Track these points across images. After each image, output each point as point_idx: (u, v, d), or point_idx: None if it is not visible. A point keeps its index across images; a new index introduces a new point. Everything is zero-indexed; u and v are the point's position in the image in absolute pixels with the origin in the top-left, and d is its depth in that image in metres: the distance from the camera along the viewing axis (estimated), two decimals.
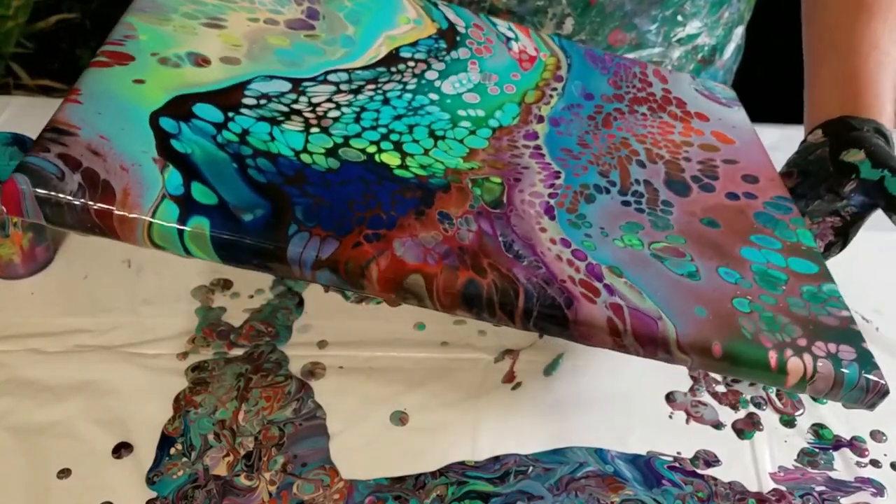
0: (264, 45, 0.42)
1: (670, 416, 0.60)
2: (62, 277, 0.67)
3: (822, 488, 0.56)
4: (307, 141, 0.38)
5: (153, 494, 0.53)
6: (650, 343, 0.36)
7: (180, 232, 0.32)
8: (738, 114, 0.54)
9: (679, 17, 0.67)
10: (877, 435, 0.59)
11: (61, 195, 0.31)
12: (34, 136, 0.65)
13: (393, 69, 0.45)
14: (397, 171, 0.38)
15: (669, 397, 0.61)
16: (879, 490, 0.56)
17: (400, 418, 0.58)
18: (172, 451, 0.55)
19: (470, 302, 0.34)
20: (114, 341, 0.62)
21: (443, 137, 0.42)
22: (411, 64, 0.46)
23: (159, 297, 0.65)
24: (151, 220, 0.31)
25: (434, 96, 0.44)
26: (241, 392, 0.59)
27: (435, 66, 0.46)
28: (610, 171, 0.44)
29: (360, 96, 0.42)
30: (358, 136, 0.39)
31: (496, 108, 0.45)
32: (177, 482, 0.53)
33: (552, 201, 0.40)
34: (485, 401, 0.59)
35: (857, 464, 0.58)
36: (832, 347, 0.38)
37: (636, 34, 0.67)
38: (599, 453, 0.57)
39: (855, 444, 0.59)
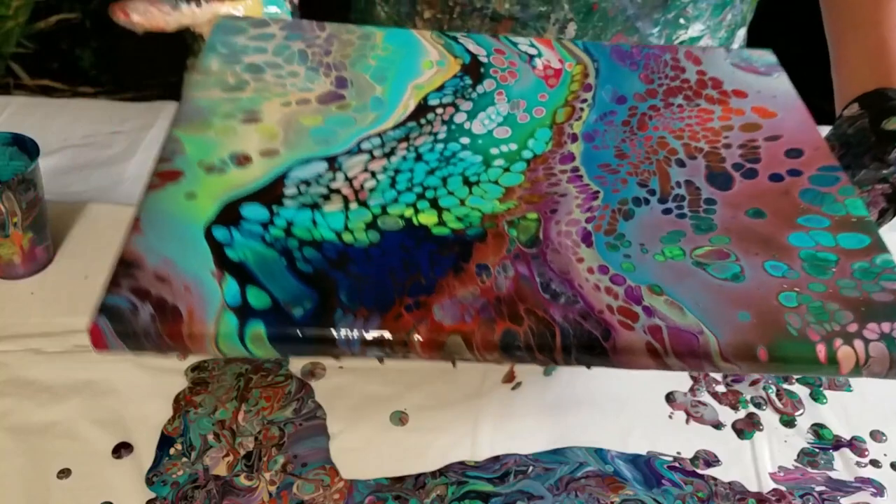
0: (299, 129, 0.43)
1: (670, 416, 0.60)
2: (62, 277, 0.67)
3: (822, 488, 0.56)
4: (347, 219, 0.39)
5: (153, 494, 0.53)
6: (692, 357, 0.36)
7: (241, 338, 0.34)
8: (779, 80, 0.52)
9: (681, 21, 0.67)
10: (877, 435, 0.59)
11: (137, 328, 0.34)
12: (34, 136, 0.65)
13: (423, 121, 0.45)
14: (435, 231, 0.39)
15: (669, 397, 0.61)
16: (879, 490, 0.56)
17: (400, 418, 0.58)
18: (172, 451, 0.55)
19: (509, 350, 0.35)
20: None
21: (477, 182, 0.42)
22: (440, 111, 0.46)
23: None
24: (216, 332, 0.34)
25: (465, 140, 0.44)
26: (240, 392, 0.59)
27: (463, 106, 0.46)
28: (649, 178, 0.43)
29: (393, 158, 0.42)
30: (395, 201, 0.40)
31: (528, 136, 0.45)
32: (176, 482, 0.53)
33: (589, 226, 0.40)
34: (485, 401, 0.60)
35: (857, 464, 0.58)
36: (886, 327, 0.36)
37: (638, 38, 0.67)
38: (599, 453, 0.57)
39: (855, 444, 0.59)
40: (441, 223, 0.39)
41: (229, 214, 0.38)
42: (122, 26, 0.51)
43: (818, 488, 0.56)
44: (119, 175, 0.78)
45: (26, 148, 0.66)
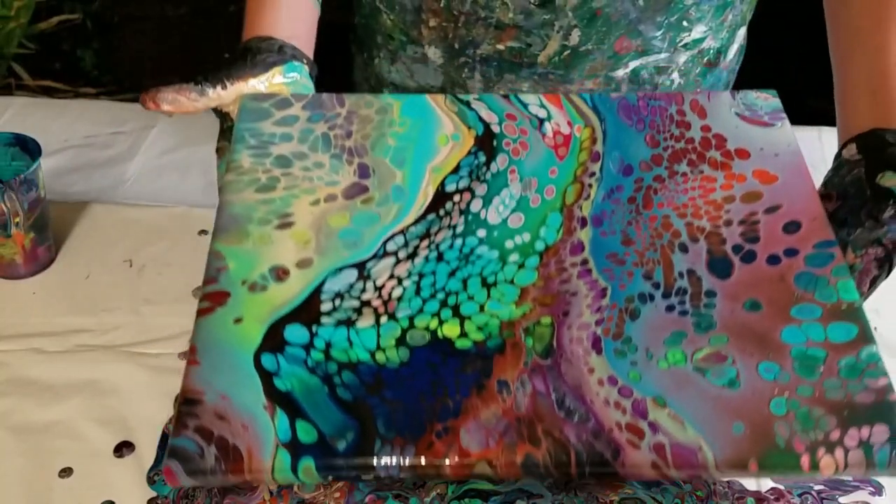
0: (329, 232, 0.46)
1: None
2: (64, 277, 0.67)
3: (821, 487, 0.56)
4: (379, 335, 0.42)
5: (154, 493, 0.53)
6: (690, 470, 0.39)
7: (294, 471, 0.38)
8: (781, 132, 0.52)
9: (684, 23, 0.67)
10: None
11: (205, 468, 0.38)
12: (36, 137, 0.66)
13: (441, 212, 0.47)
14: (458, 344, 0.42)
15: None
16: (878, 489, 0.56)
17: None
18: None
19: (529, 472, 0.39)
20: (115, 341, 0.62)
21: (494, 283, 0.44)
22: (456, 198, 0.48)
23: (160, 296, 0.66)
24: (272, 469, 0.38)
25: (482, 232, 0.46)
26: None
27: (478, 191, 0.48)
28: (654, 269, 0.45)
29: (416, 260, 0.45)
30: (420, 311, 0.43)
31: (540, 223, 0.47)
32: None
33: (598, 330, 0.43)
34: None
35: None
36: (865, 433, 0.39)
37: (642, 41, 0.67)
38: None
39: None
40: (463, 334, 0.42)
41: (274, 338, 0.41)
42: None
43: (817, 487, 0.56)
44: (120, 175, 0.78)
45: (28, 148, 0.66)
